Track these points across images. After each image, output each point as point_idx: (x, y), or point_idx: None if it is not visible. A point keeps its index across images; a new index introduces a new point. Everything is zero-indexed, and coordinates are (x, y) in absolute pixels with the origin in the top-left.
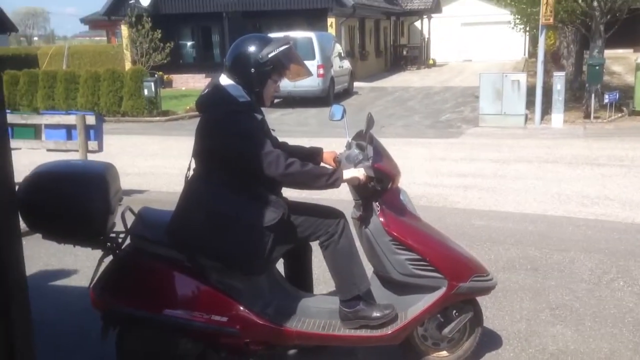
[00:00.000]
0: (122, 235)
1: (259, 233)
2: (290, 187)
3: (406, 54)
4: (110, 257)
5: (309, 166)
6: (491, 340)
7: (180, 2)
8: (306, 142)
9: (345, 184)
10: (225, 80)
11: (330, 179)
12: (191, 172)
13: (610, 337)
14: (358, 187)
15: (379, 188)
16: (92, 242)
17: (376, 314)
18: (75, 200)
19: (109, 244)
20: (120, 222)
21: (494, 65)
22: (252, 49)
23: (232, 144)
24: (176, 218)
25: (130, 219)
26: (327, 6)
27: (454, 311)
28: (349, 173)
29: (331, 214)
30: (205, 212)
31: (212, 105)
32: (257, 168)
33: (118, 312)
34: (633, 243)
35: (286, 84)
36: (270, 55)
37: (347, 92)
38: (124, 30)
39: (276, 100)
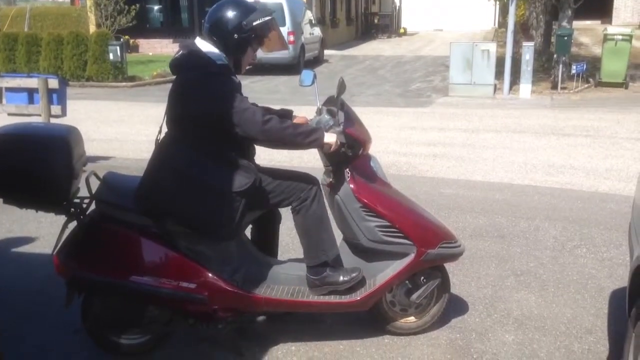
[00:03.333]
0: (86, 201)
1: (230, 198)
2: (267, 146)
3: (377, 22)
4: (75, 223)
5: (287, 122)
6: (458, 306)
7: None
8: None
9: (315, 150)
10: (201, 43)
11: (310, 138)
12: (162, 136)
13: (573, 302)
14: (328, 154)
15: (350, 154)
16: (55, 208)
17: (343, 278)
18: (37, 163)
19: (72, 209)
20: (85, 188)
21: (464, 35)
22: (236, 14)
23: (210, 106)
24: (145, 182)
25: (95, 185)
26: None
27: (422, 277)
28: (329, 136)
29: (304, 179)
30: (175, 177)
31: (188, 68)
32: (233, 128)
33: (83, 278)
34: (596, 211)
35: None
36: (254, 23)
37: (318, 60)
38: None
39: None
